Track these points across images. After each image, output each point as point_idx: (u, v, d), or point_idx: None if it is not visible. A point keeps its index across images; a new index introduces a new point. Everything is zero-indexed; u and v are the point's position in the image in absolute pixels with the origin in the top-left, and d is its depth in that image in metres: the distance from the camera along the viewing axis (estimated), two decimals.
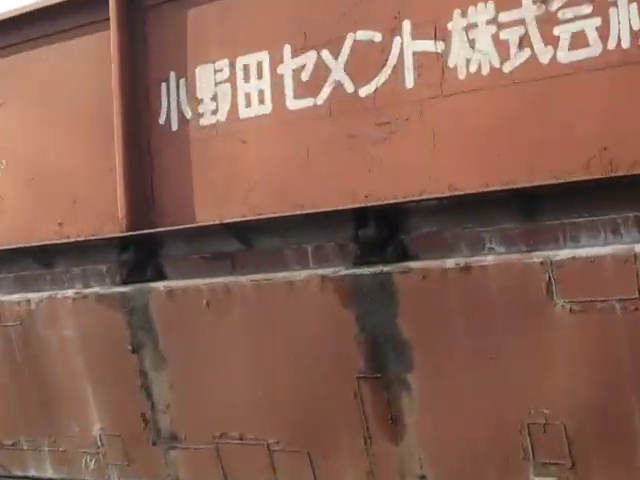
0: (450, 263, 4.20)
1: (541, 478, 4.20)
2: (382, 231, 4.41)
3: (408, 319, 4.35)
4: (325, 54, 4.61)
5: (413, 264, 4.31)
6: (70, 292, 5.44)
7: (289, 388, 4.77)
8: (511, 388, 4.18)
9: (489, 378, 4.22)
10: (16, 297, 5.72)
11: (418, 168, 4.36)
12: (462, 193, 4.18)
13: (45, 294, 5.55)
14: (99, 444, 5.53)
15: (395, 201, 4.34)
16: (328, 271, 4.54)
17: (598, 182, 3.87)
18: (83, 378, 5.48)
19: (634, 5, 3.84)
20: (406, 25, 4.37)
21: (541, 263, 3.98)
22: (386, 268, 4.38)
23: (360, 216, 4.48)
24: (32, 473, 5.97)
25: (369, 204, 4.42)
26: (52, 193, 5.56)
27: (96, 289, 5.35)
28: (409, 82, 4.39)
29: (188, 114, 5.07)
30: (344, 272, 4.50)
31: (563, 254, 3.94)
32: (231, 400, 4.98)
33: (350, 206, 4.49)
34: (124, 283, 5.25)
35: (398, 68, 4.39)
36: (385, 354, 4.47)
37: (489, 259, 4.12)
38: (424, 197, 4.27)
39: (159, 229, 5.12)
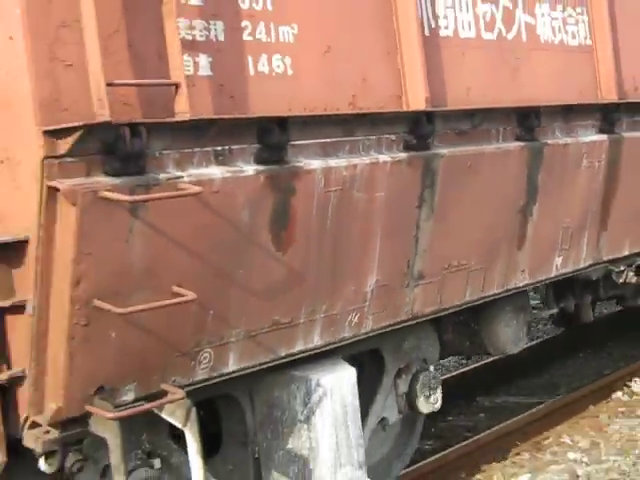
0: (566, 140, 7.53)
1: None
2: None
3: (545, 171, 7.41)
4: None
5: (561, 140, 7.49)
6: (385, 157, 5.94)
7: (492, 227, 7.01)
8: None
9: None
10: (343, 162, 5.60)
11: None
12: None
13: (366, 159, 5.78)
14: (367, 298, 6.07)
15: None
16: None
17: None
18: (374, 236, 6.02)
19: None
20: None
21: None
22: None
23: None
24: (299, 348, 5.67)
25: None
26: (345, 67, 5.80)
27: (404, 154, 6.07)
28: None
29: None
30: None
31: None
32: (460, 240, 6.69)
33: None
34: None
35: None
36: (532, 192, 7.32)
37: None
38: None
39: None
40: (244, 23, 5.25)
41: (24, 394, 4.61)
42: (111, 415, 4.63)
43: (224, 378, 5.31)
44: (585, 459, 8.03)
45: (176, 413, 5.00)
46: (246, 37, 5.25)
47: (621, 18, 8.17)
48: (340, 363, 6.17)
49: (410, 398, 7.03)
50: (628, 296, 9.90)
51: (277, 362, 5.64)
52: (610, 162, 8.15)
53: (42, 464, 4.76)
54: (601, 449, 8.24)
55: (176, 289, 4.82)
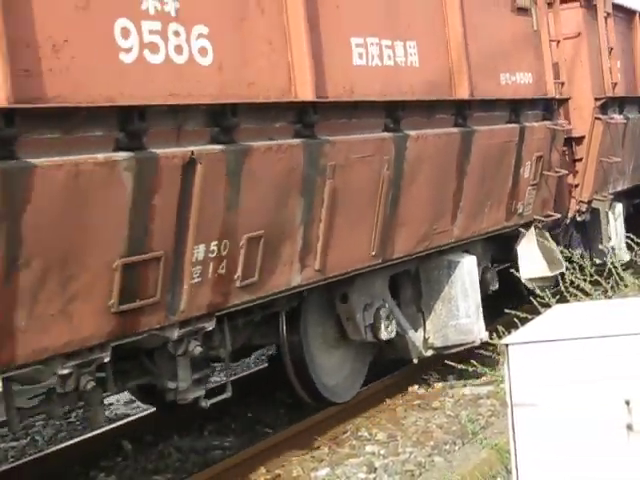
0: None
1: None
2: None
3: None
4: None
5: None
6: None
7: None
8: None
9: None
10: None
11: None
12: None
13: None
14: None
15: None
16: None
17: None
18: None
19: None
20: None
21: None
22: None
23: None
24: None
25: None
26: None
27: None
28: None
29: None
30: None
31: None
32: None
33: None
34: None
35: None
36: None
37: None
38: None
39: None
40: None
41: (574, 192, 11.61)
42: (606, 199, 11.93)
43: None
44: (383, 452, 7.90)
45: (603, 206, 11.79)
46: None
47: None
48: None
49: None
50: None
51: None
52: None
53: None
54: (398, 441, 8.11)
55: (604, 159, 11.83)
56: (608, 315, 4.72)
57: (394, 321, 8.46)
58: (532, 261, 9.94)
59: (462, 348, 8.87)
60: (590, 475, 4.24)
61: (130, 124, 5.36)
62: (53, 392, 5.78)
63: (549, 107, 10.21)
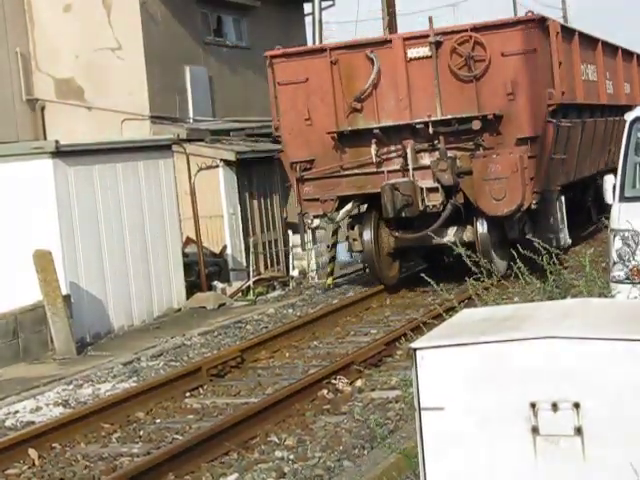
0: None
1: None
2: None
3: None
4: None
5: None
6: None
7: None
8: None
9: None
10: None
11: None
12: None
13: None
14: None
15: None
16: None
17: None
18: None
19: None
20: None
21: None
22: None
23: None
24: None
25: None
26: None
27: None
28: None
29: None
30: None
31: None
32: None
33: None
34: None
35: None
36: None
37: None
38: None
39: None
40: None
41: None
42: None
43: None
44: (292, 457, 7.92)
45: None
46: None
47: None
48: None
49: None
50: None
51: None
52: None
53: None
54: (307, 446, 8.17)
55: None
56: (513, 319, 4.79)
57: None
58: None
59: None
60: (497, 478, 4.30)
61: None
62: None
63: None
